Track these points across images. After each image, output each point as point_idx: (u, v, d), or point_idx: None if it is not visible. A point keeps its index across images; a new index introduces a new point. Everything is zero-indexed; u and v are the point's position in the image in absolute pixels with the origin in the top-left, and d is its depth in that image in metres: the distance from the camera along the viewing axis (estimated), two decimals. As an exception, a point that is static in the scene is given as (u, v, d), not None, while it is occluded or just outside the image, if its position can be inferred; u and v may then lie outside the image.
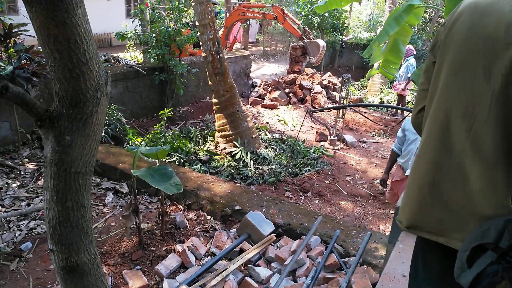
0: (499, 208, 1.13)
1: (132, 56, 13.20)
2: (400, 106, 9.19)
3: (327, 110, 8.64)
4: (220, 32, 14.20)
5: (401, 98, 9.56)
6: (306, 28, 10.77)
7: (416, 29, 14.70)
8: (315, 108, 9.76)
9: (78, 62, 1.57)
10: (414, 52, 9.13)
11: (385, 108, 9.97)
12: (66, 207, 1.77)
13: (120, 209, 4.18)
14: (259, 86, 10.63)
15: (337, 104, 8.24)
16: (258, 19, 12.30)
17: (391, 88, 10.06)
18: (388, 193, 4.59)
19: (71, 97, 1.63)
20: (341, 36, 13.99)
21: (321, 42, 10.56)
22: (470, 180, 1.17)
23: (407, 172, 3.75)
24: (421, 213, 1.31)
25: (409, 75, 8.80)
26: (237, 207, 4.04)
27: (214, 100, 6.46)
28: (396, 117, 9.53)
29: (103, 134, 5.86)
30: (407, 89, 9.15)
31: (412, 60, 8.97)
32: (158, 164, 3.47)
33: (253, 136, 6.57)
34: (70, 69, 1.57)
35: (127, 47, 13.49)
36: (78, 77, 1.60)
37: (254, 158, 6.19)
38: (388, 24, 4.70)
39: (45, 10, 1.42)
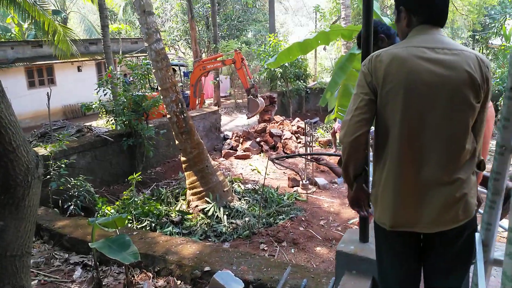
0: None
1: (105, 123, 13.32)
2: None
3: (293, 157, 8.83)
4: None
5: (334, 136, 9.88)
6: (255, 85, 11.34)
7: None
8: (287, 154, 9.94)
9: (5, 151, 1.65)
10: None
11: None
12: (4, 293, 1.77)
13: (88, 284, 4.08)
14: (231, 138, 10.81)
15: (306, 147, 8.42)
16: (218, 68, 12.71)
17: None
18: None
19: (1, 184, 1.69)
20: (304, 84, 14.55)
21: (260, 101, 11.11)
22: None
23: None
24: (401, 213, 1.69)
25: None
26: (207, 268, 3.98)
27: (183, 158, 6.55)
28: None
29: (72, 207, 5.82)
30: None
31: None
32: (118, 233, 3.46)
33: (225, 189, 6.61)
34: (-3, 158, 1.65)
35: (100, 115, 13.64)
36: (6, 165, 1.67)
37: (227, 212, 6.19)
38: (335, 74, 4.96)
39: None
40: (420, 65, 1.58)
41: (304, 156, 6.92)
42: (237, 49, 12.06)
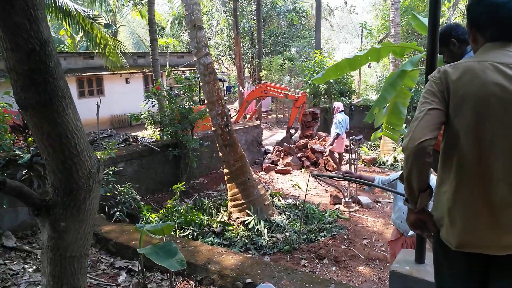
0: None
1: (150, 133, 13.75)
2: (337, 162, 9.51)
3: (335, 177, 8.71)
4: (235, 104, 14.88)
5: (331, 153, 9.65)
6: (298, 128, 11.82)
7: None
8: (329, 170, 9.80)
9: (70, 154, 1.73)
10: (341, 109, 9.37)
11: (400, 166, 9.94)
12: (62, 291, 1.83)
13: (132, 289, 4.16)
14: (272, 153, 10.81)
15: (350, 165, 8.28)
16: (278, 97, 13.03)
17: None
18: (388, 254, 4.51)
19: (64, 186, 1.77)
20: (349, 100, 14.37)
21: (292, 142, 11.53)
22: None
23: (410, 233, 3.65)
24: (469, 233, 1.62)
25: (337, 131, 9.13)
26: (248, 280, 3.96)
27: (225, 170, 6.62)
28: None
29: (118, 213, 5.99)
30: (336, 143, 9.35)
31: (339, 117, 9.18)
32: (165, 240, 3.52)
33: (266, 203, 6.59)
34: (63, 161, 1.72)
35: (146, 126, 14.10)
36: (71, 168, 1.75)
37: (267, 226, 6.15)
38: (385, 90, 4.87)
39: (38, 112, 1.62)
40: (494, 79, 1.52)
41: (342, 178, 6.79)
42: (305, 91, 12.47)
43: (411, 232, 3.41)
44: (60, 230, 1.80)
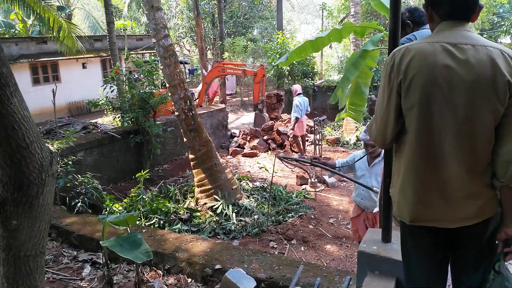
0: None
1: (111, 120, 13.30)
2: (301, 146, 9.44)
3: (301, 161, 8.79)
4: (199, 88, 14.66)
5: (295, 138, 9.65)
6: (265, 101, 11.51)
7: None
8: (295, 152, 9.88)
9: (18, 147, 1.59)
10: (299, 92, 9.34)
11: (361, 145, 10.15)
12: (18, 293, 1.72)
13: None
14: (238, 136, 10.76)
15: (315, 145, 8.38)
16: (238, 75, 12.77)
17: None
18: (351, 230, 4.64)
19: (14, 182, 1.64)
20: (312, 81, 14.44)
21: (266, 116, 11.44)
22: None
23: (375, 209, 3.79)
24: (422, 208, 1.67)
25: (296, 114, 9.07)
26: (217, 266, 3.93)
27: (191, 156, 6.50)
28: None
29: (79, 204, 5.77)
30: (297, 127, 9.27)
31: (297, 100, 9.16)
32: (129, 231, 3.41)
33: (234, 187, 6.56)
34: (10, 155, 1.59)
35: (105, 112, 13.62)
36: (20, 162, 1.61)
37: (236, 210, 6.13)
38: (347, 70, 4.88)
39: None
40: (442, 60, 1.54)
41: (308, 163, 6.89)
42: (263, 64, 12.20)
43: (376, 209, 3.50)
44: (12, 228, 1.67)
